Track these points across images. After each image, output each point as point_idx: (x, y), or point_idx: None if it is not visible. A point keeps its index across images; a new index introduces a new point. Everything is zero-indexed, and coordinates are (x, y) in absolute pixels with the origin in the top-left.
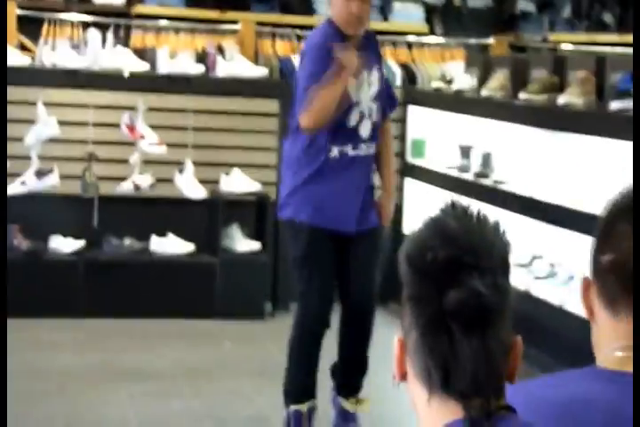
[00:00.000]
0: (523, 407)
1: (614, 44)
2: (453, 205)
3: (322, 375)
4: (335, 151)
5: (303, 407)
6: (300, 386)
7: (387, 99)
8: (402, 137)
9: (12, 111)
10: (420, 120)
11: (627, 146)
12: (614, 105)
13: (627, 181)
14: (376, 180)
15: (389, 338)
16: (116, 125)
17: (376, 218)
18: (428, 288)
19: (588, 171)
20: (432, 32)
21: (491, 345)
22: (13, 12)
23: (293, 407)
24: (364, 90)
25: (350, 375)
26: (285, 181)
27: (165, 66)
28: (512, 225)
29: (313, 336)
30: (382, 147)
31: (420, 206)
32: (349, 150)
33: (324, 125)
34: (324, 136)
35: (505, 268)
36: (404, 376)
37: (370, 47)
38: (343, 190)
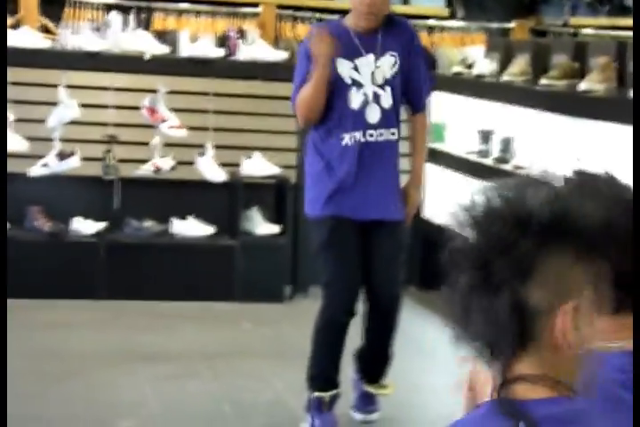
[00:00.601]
0: None
1: None
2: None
3: (345, 358)
4: (346, 138)
5: (326, 397)
6: (323, 375)
7: (409, 91)
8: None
9: (33, 93)
10: (440, 105)
11: None
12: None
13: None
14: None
15: (410, 322)
16: (137, 108)
17: (400, 211)
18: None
19: (607, 157)
20: (453, 16)
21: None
22: None
23: (316, 394)
24: (366, 72)
25: (374, 364)
26: (306, 173)
27: (186, 49)
28: None
29: (338, 325)
30: (412, 136)
31: (438, 190)
32: (359, 136)
33: (315, 116)
34: (333, 123)
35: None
36: None
37: (391, 34)
38: (357, 178)
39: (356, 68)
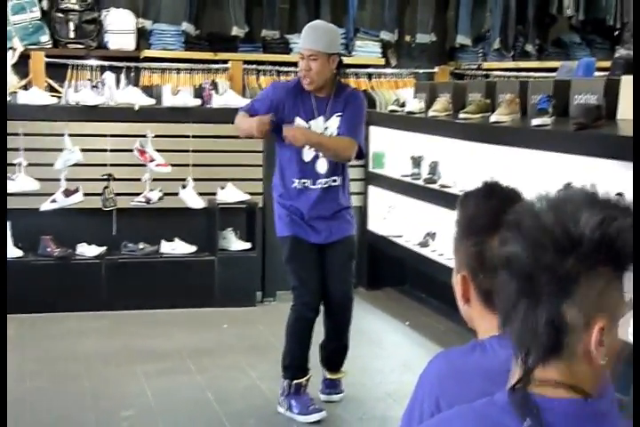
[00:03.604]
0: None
1: (535, 69)
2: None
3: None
4: (296, 183)
5: (303, 382)
6: (296, 364)
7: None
8: (365, 151)
9: (43, 142)
10: (380, 137)
11: (544, 155)
12: (534, 121)
13: (542, 184)
14: (348, 201)
15: (359, 316)
16: (130, 150)
17: (346, 228)
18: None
19: (514, 176)
20: (387, 64)
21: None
22: (42, 59)
23: (296, 382)
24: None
25: (334, 354)
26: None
27: (169, 100)
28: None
29: (306, 321)
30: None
31: (380, 207)
32: (309, 184)
33: None
34: (289, 170)
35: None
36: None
37: (340, 99)
38: (307, 213)
39: (309, 129)
